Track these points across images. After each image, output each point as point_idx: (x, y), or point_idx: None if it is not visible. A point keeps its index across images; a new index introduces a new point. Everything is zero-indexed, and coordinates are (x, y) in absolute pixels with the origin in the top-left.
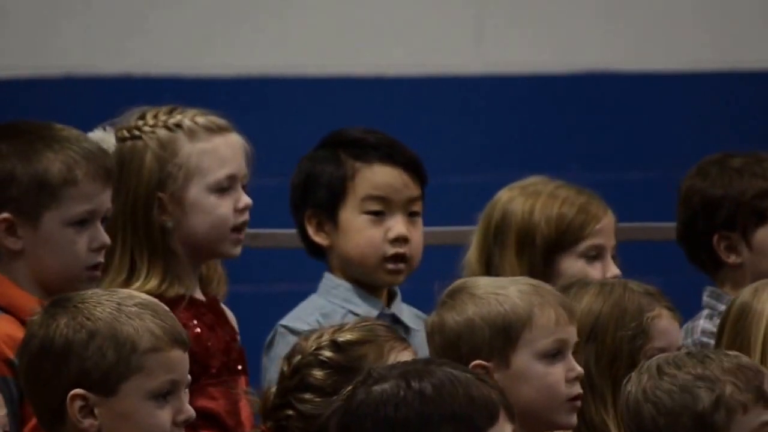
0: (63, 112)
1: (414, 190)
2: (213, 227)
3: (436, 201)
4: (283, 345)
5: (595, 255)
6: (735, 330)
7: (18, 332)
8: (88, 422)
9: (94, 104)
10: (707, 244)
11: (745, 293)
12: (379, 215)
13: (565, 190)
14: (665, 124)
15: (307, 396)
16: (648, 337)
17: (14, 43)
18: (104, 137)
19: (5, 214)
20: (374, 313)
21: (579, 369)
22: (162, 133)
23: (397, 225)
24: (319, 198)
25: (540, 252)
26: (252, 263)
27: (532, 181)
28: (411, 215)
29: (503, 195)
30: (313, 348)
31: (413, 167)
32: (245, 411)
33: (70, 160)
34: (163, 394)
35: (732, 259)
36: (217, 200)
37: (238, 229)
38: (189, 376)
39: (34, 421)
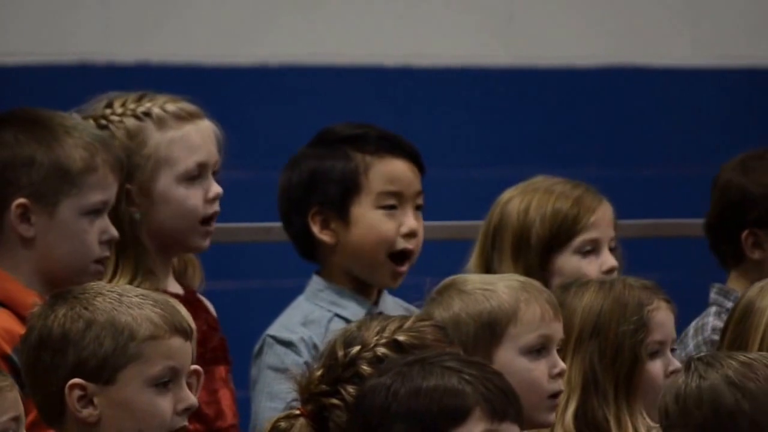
0: (78, 100)
1: (419, 183)
2: (182, 219)
3: (457, 194)
4: (271, 355)
5: (590, 249)
6: (738, 327)
7: (16, 327)
8: (87, 412)
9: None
10: (734, 238)
11: (752, 291)
12: (392, 209)
13: (561, 185)
14: (692, 119)
15: (351, 390)
16: (648, 330)
17: (29, 29)
18: None
19: (22, 200)
20: (362, 312)
21: (562, 365)
22: (130, 122)
23: (409, 220)
24: (328, 194)
25: (535, 252)
26: (262, 257)
27: (532, 180)
28: (417, 208)
29: (503, 196)
30: (374, 343)
31: (417, 159)
32: (226, 400)
33: (90, 147)
34: (164, 382)
35: (756, 255)
36: (187, 191)
37: (208, 220)
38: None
39: (31, 417)
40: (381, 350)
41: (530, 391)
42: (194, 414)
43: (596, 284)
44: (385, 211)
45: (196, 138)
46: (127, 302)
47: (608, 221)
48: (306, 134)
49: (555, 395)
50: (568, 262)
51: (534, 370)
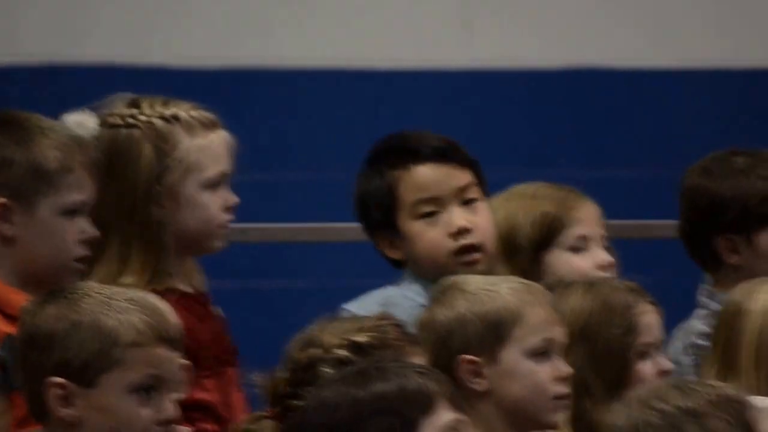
0: (44, 102)
1: (460, 178)
2: (204, 223)
3: None
4: None
5: (581, 246)
6: (727, 329)
7: (1, 325)
8: (65, 412)
9: (76, 93)
10: (710, 244)
11: (738, 292)
12: (433, 216)
13: (543, 189)
14: (654, 121)
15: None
16: (636, 334)
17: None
18: (84, 120)
19: (2, 199)
20: None
21: (566, 369)
22: (160, 124)
23: (454, 218)
24: (376, 218)
25: (527, 254)
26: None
27: (513, 188)
28: (468, 203)
29: None
30: (332, 344)
31: (448, 154)
32: (238, 402)
33: (65, 147)
34: (146, 390)
35: (733, 259)
36: (209, 197)
37: (224, 225)
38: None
39: (21, 412)
40: (341, 353)
41: (535, 394)
42: (211, 415)
43: (581, 285)
44: (426, 219)
45: (219, 148)
46: (115, 306)
47: (595, 219)
48: (272, 136)
49: (561, 398)
50: (560, 258)
51: (539, 373)
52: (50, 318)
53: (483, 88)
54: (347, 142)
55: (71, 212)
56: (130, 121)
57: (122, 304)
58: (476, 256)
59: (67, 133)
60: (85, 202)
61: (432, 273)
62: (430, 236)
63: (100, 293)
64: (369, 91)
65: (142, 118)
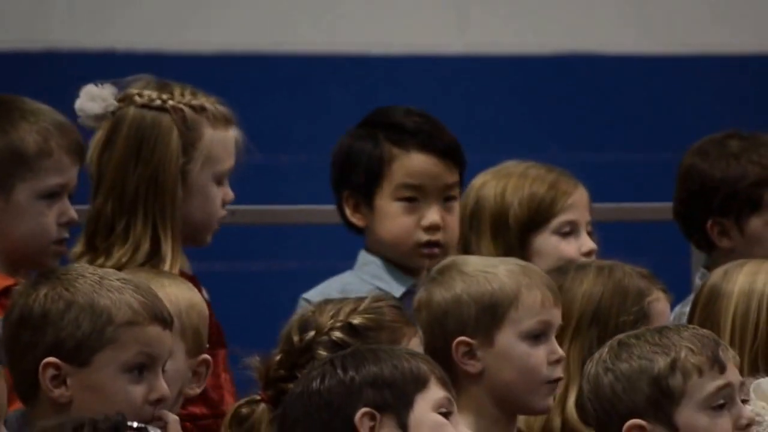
0: (45, 88)
1: (450, 177)
2: (208, 216)
3: None
4: None
5: (568, 231)
6: (705, 312)
7: None
8: (58, 392)
9: (77, 79)
10: (701, 226)
11: (716, 275)
12: (412, 202)
13: (535, 169)
14: (646, 106)
15: None
16: (647, 321)
17: None
18: (102, 93)
19: None
20: (402, 290)
21: (561, 352)
22: (188, 112)
23: (431, 213)
24: (356, 180)
25: (514, 233)
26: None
27: (504, 164)
28: (447, 200)
29: (476, 181)
30: (328, 327)
31: (451, 154)
32: (227, 384)
33: (45, 132)
34: (138, 370)
35: (724, 243)
36: (216, 190)
37: (221, 220)
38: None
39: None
40: (336, 334)
41: (528, 377)
42: (201, 397)
43: (595, 269)
44: (405, 203)
45: (232, 144)
46: (108, 285)
47: (585, 204)
48: (263, 120)
49: (553, 382)
50: (547, 242)
51: (533, 356)
52: (44, 299)
53: (476, 73)
54: (339, 126)
55: (50, 195)
56: (157, 103)
57: (115, 283)
58: (436, 251)
59: (51, 116)
60: (65, 185)
61: (388, 252)
62: (402, 222)
63: (93, 274)
64: (363, 76)
65: (171, 103)
